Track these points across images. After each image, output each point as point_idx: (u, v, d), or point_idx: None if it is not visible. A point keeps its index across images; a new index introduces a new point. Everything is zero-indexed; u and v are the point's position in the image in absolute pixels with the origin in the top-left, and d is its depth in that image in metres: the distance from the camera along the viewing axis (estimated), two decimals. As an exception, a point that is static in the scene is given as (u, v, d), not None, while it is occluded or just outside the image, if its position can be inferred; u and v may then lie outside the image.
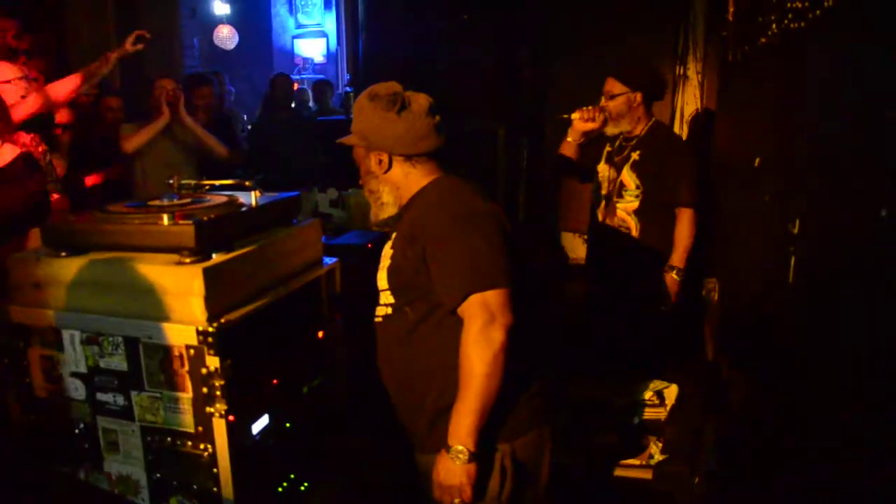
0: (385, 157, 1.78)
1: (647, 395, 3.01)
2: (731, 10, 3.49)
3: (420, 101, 1.74)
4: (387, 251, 1.81)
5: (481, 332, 1.58)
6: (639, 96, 3.02)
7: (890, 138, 1.58)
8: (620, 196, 3.11)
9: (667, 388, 3.02)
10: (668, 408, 2.93)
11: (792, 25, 2.07)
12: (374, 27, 5.23)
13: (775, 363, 2.37)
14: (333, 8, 9.58)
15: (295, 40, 9.92)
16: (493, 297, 1.60)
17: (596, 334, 3.36)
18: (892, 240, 1.57)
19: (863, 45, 1.74)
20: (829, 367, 1.91)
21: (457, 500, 1.65)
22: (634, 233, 3.11)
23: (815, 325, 2.04)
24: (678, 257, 3.05)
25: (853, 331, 1.76)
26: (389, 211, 1.83)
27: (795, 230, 2.13)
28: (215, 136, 4.14)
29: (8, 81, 3.38)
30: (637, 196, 3.07)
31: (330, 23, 9.74)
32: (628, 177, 3.08)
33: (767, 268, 2.49)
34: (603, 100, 3.06)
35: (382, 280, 1.80)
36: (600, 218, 3.23)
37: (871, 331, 1.66)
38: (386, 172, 1.79)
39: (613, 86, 3.04)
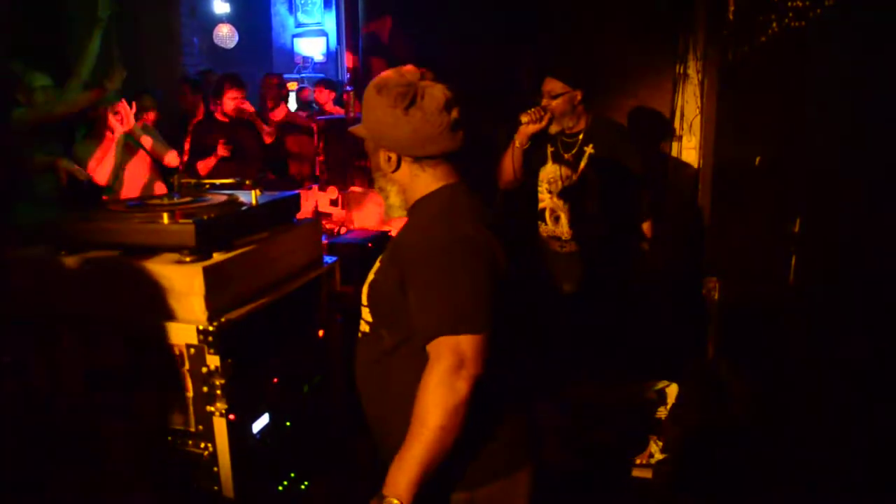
0: (393, 156, 1.60)
1: (648, 394, 3.01)
2: (732, 8, 3.49)
3: (435, 94, 1.53)
4: (376, 264, 1.67)
5: (444, 379, 1.39)
6: (579, 94, 3.06)
7: (890, 137, 1.58)
8: (584, 190, 3.11)
9: (667, 387, 3.03)
10: (668, 407, 2.93)
11: (793, 24, 2.07)
12: (374, 27, 5.23)
13: (775, 362, 2.37)
14: (333, 7, 9.58)
15: (295, 39, 9.90)
16: (466, 343, 1.40)
17: (588, 333, 3.36)
18: (891, 239, 1.57)
19: (863, 44, 1.74)
20: (828, 367, 1.91)
21: None
22: (603, 222, 3.13)
23: (816, 325, 2.04)
24: (648, 230, 3.17)
25: (853, 331, 1.76)
26: (397, 212, 1.69)
27: (796, 229, 2.14)
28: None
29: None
30: (602, 186, 3.09)
31: (330, 22, 9.74)
32: (589, 170, 3.09)
33: (768, 267, 2.49)
34: (545, 100, 3.08)
35: (364, 295, 1.65)
36: (560, 216, 3.23)
37: (870, 331, 1.66)
38: (394, 172, 1.63)
39: (554, 85, 3.06)
